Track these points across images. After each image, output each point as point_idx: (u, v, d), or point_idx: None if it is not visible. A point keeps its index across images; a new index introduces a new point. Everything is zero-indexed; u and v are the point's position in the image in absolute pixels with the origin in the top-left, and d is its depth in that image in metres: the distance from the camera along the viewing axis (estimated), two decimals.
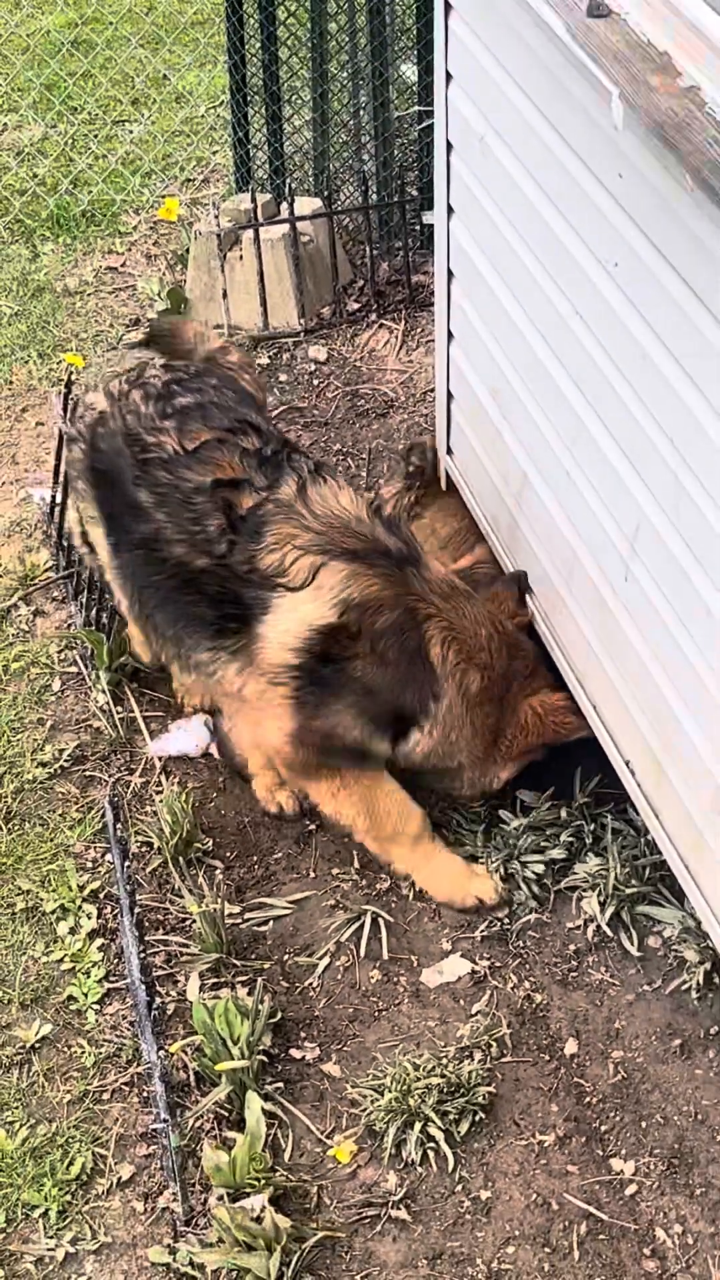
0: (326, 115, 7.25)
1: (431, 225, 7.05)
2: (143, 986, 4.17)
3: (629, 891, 4.57)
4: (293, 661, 4.43)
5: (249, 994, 4.34)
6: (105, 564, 4.91)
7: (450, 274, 5.09)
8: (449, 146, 4.89)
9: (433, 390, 6.33)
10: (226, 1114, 4.17)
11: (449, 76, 4.78)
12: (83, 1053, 4.37)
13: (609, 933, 4.55)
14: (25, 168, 8.05)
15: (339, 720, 4.48)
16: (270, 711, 4.52)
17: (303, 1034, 4.39)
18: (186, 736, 5.18)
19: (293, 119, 7.41)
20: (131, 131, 8.36)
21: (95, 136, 8.28)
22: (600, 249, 3.98)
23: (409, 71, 7.43)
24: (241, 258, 6.86)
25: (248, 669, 4.52)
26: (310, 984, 4.51)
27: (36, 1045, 4.40)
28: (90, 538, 5.02)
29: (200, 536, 4.53)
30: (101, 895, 4.73)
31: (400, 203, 7.11)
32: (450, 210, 4.98)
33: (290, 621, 4.42)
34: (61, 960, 4.58)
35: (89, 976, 4.52)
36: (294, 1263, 3.83)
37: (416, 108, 7.26)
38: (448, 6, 4.67)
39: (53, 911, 4.70)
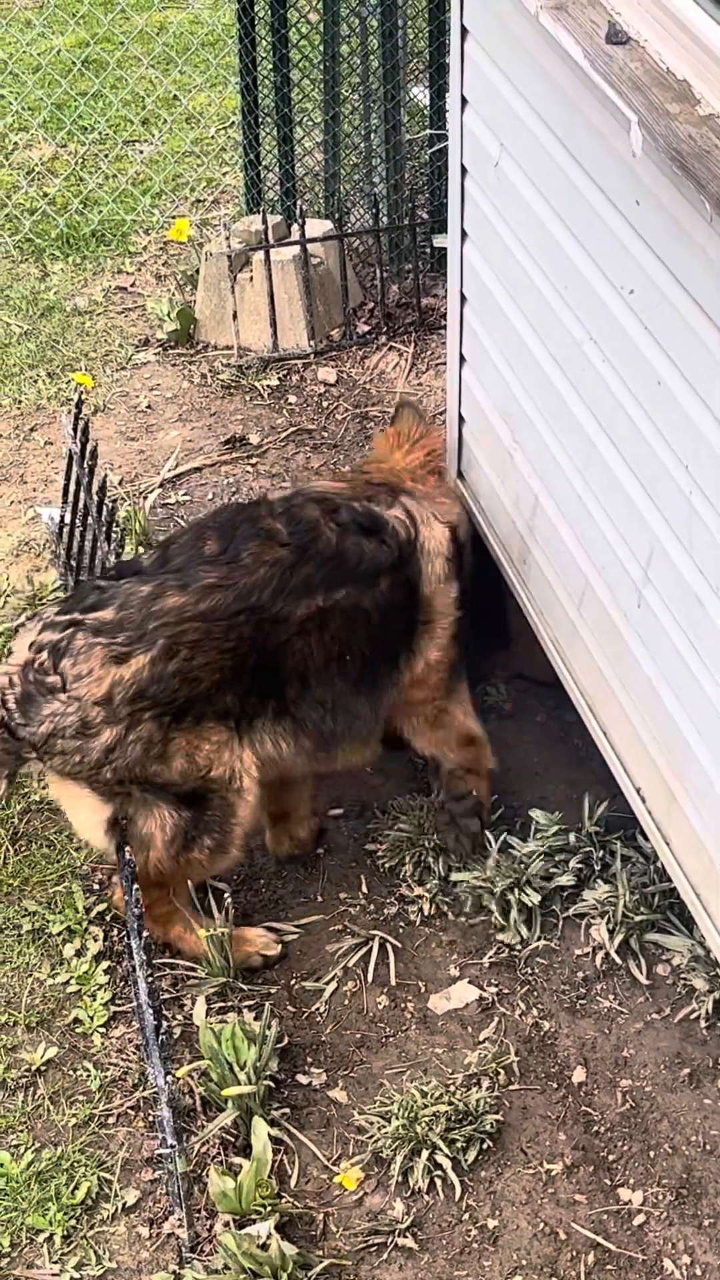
0: (338, 137, 7.26)
1: (442, 248, 7.06)
2: (150, 1010, 4.15)
3: (638, 919, 4.55)
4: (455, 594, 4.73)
5: (256, 1019, 4.32)
6: None
7: (463, 298, 5.09)
8: (463, 171, 4.89)
9: (443, 413, 6.32)
10: (232, 1139, 4.15)
11: (464, 101, 4.78)
12: (88, 1076, 4.35)
13: (617, 960, 4.54)
14: (35, 187, 8.06)
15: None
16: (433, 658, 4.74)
17: (310, 1060, 4.37)
18: None
19: (304, 141, 7.42)
20: (142, 152, 8.37)
21: (106, 156, 8.29)
22: (616, 275, 3.97)
23: (420, 94, 7.44)
24: (252, 279, 6.86)
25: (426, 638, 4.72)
26: (317, 1009, 4.49)
27: (42, 1068, 4.38)
28: None
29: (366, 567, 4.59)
30: (108, 918, 4.71)
31: (411, 225, 7.11)
32: (464, 234, 4.98)
33: (434, 559, 4.66)
34: (68, 983, 4.56)
35: (95, 999, 4.51)
36: None
37: (428, 131, 7.27)
38: (464, 31, 4.67)
39: (59, 933, 4.68)
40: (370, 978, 4.55)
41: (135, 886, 4.34)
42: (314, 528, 4.47)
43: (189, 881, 4.49)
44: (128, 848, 4.40)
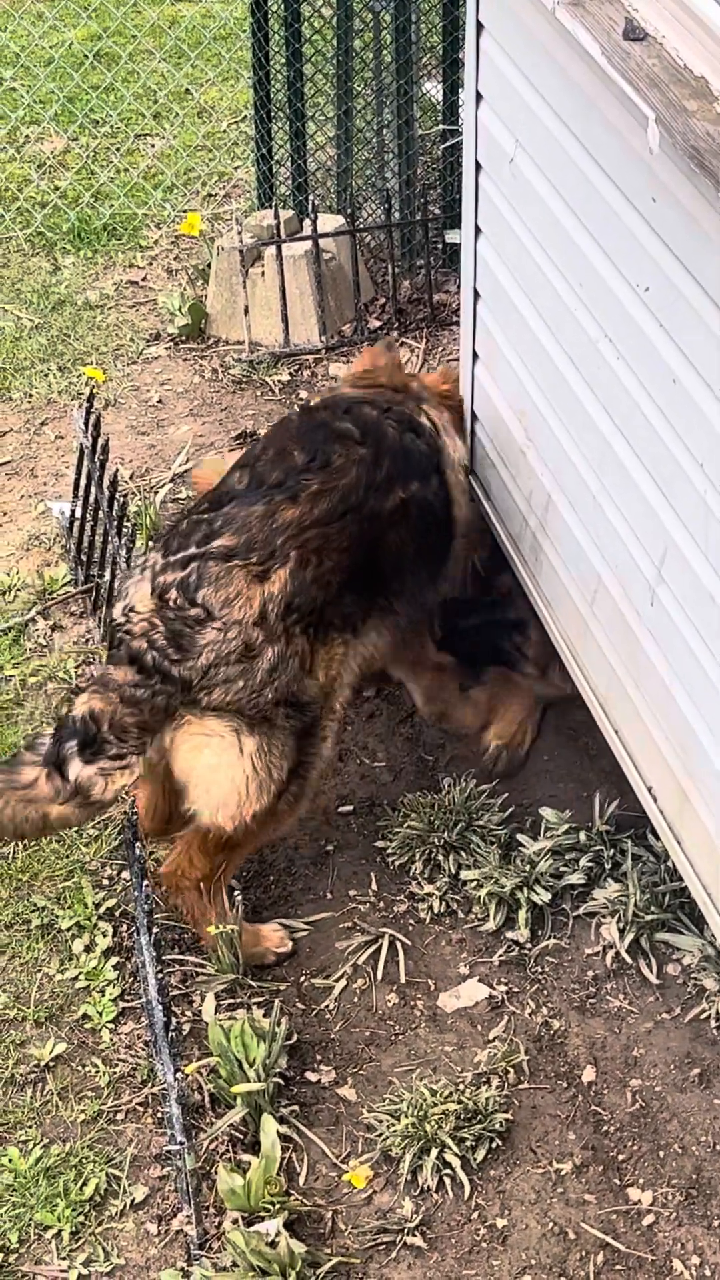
0: (350, 132, 7.25)
1: (454, 244, 7.05)
2: (159, 1006, 4.15)
3: (648, 918, 4.54)
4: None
5: (265, 1016, 4.31)
6: None
7: (477, 294, 5.08)
8: (478, 167, 4.87)
9: None
10: (241, 1136, 4.14)
11: (479, 97, 4.77)
12: (97, 1072, 4.34)
13: (628, 960, 4.53)
14: (47, 180, 8.05)
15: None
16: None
17: (319, 1057, 4.36)
18: None
19: (316, 135, 7.40)
20: (154, 145, 8.36)
21: (117, 150, 8.28)
22: (631, 272, 3.96)
23: (433, 90, 7.43)
24: (263, 274, 6.85)
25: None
26: (327, 1006, 4.48)
27: (51, 1064, 4.37)
28: None
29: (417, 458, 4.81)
30: (117, 913, 4.71)
31: (423, 221, 7.10)
32: (478, 230, 4.96)
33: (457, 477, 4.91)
34: (76, 978, 4.56)
35: (104, 995, 4.50)
36: None
37: (440, 126, 7.25)
38: (479, 26, 4.66)
39: (68, 929, 4.67)
40: (380, 975, 4.55)
41: (145, 883, 4.33)
42: (378, 426, 4.65)
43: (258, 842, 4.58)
44: (138, 844, 4.40)
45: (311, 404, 4.87)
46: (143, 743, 4.24)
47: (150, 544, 4.95)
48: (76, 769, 4.20)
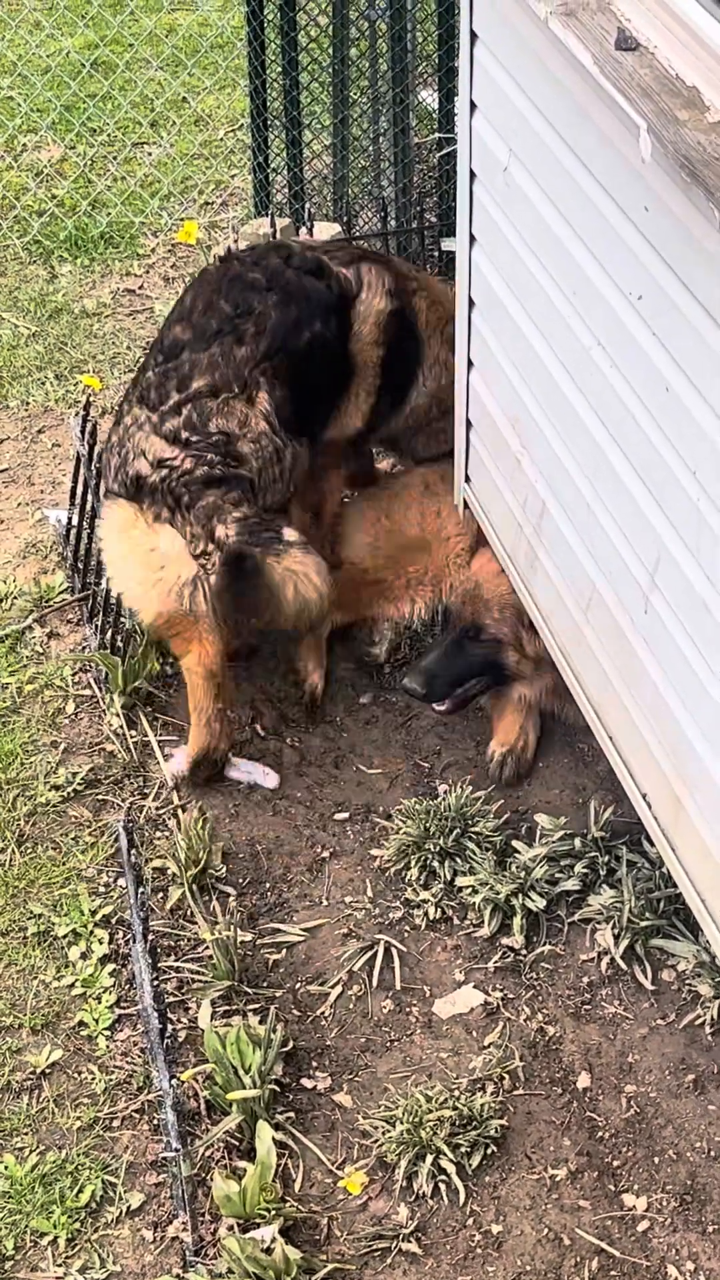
0: (346, 140, 7.26)
1: (450, 252, 7.05)
2: (155, 1013, 4.16)
3: (643, 924, 4.55)
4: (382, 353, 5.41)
5: (261, 1022, 4.32)
6: None
7: (471, 302, 5.09)
8: (472, 176, 4.88)
9: None
10: (237, 1143, 4.15)
11: (473, 106, 4.78)
12: (93, 1079, 4.35)
13: (623, 966, 4.54)
14: (44, 189, 8.06)
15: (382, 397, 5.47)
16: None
17: (314, 1063, 4.37)
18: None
19: (312, 144, 7.41)
20: (150, 154, 8.37)
21: (114, 158, 8.29)
22: (624, 281, 3.97)
23: (429, 98, 7.44)
24: None
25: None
26: (322, 1013, 4.49)
27: (47, 1071, 4.38)
28: None
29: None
30: (113, 920, 4.71)
31: (419, 229, 7.10)
32: (472, 239, 4.97)
33: (367, 317, 5.36)
34: (73, 985, 4.56)
35: (100, 1002, 4.51)
36: None
37: (436, 135, 7.26)
38: (473, 36, 4.67)
39: (64, 936, 4.68)
40: (375, 982, 4.56)
41: (140, 890, 4.34)
42: (282, 273, 5.23)
43: None
44: (134, 851, 4.41)
45: (225, 255, 5.46)
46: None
47: (122, 406, 5.24)
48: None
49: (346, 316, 5.31)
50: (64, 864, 4.88)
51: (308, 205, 7.01)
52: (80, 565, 5.74)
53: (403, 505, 5.60)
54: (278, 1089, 4.26)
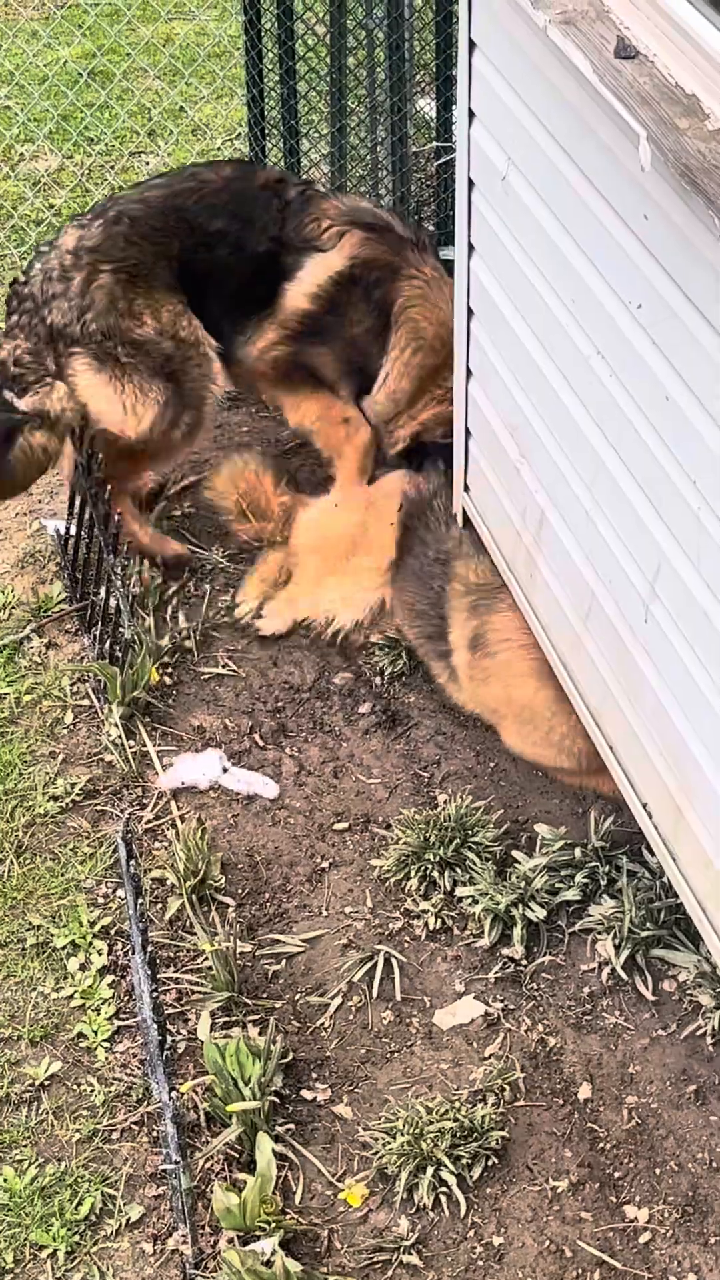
0: (344, 150, 7.26)
1: (448, 261, 7.04)
2: (155, 1025, 4.14)
3: (644, 935, 4.54)
4: (307, 307, 5.65)
5: (260, 1034, 4.31)
6: None
7: (470, 311, 5.08)
8: (470, 184, 4.88)
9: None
10: (237, 1155, 4.14)
11: (471, 114, 4.78)
12: (92, 1091, 4.34)
13: (623, 976, 4.52)
14: (41, 198, 8.06)
15: (322, 361, 5.78)
16: (269, 340, 5.77)
17: (314, 1075, 4.36)
18: (194, 767, 5.16)
19: (310, 153, 7.41)
20: (148, 163, 8.37)
21: (112, 168, 8.29)
22: (624, 289, 3.97)
23: (427, 107, 7.44)
24: None
25: (271, 322, 5.73)
26: (322, 1024, 4.48)
27: (46, 1083, 4.36)
28: None
29: (261, 223, 5.70)
30: (112, 931, 4.70)
31: None
32: (471, 248, 4.97)
33: (316, 272, 5.64)
34: (72, 997, 4.55)
35: (99, 1014, 4.49)
36: None
37: (434, 144, 7.26)
38: (472, 44, 4.67)
39: (63, 947, 4.67)
40: (375, 993, 4.54)
41: (139, 901, 4.33)
42: (250, 177, 5.89)
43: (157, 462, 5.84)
44: (132, 861, 4.39)
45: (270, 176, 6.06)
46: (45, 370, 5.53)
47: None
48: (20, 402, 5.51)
49: (289, 254, 5.69)
50: (63, 875, 4.87)
51: None
52: (78, 575, 5.73)
53: None
54: (278, 1101, 4.24)
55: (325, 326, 5.70)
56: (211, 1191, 4.01)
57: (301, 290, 5.68)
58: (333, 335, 5.73)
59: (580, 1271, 3.93)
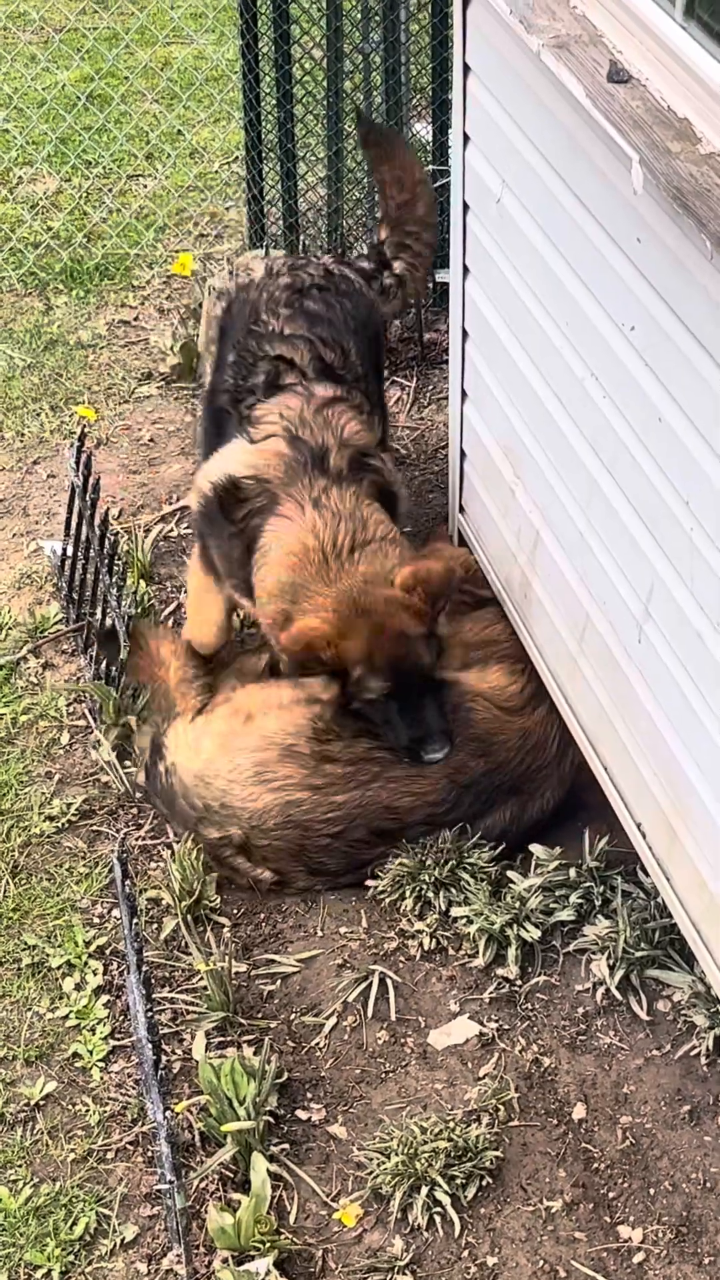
0: (341, 173, 7.29)
1: (444, 284, 7.07)
2: (150, 1045, 4.14)
3: (638, 955, 4.54)
4: (205, 491, 5.14)
5: (255, 1054, 4.31)
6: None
7: (465, 333, 5.11)
8: (465, 207, 4.91)
9: (444, 448, 6.34)
10: (231, 1175, 4.14)
11: (466, 138, 4.80)
12: (87, 1111, 4.34)
13: (618, 996, 4.52)
14: (40, 221, 8.08)
15: (207, 548, 5.26)
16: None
17: (309, 1095, 4.36)
18: None
19: (307, 176, 7.44)
20: (146, 186, 8.40)
21: (110, 190, 8.32)
22: (617, 312, 3.99)
23: (423, 131, 7.47)
24: None
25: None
26: (317, 1044, 4.48)
27: (40, 1103, 4.37)
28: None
29: (242, 388, 5.24)
30: (108, 951, 4.71)
31: None
32: (466, 270, 5.00)
33: (222, 459, 5.14)
34: (67, 1017, 4.55)
35: (94, 1033, 4.50)
36: None
37: (430, 167, 7.28)
38: (466, 69, 4.70)
39: (59, 967, 4.67)
40: (370, 1013, 4.54)
41: (135, 921, 4.33)
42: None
43: None
44: (128, 881, 4.40)
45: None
46: None
47: None
48: None
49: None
50: (58, 895, 4.87)
51: (302, 237, 7.04)
52: (75, 596, 5.74)
53: None
54: (272, 1120, 4.25)
55: (213, 518, 5.19)
56: (206, 1211, 4.01)
57: (207, 471, 5.24)
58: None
59: None
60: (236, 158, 8.36)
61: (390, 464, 5.28)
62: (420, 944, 4.70)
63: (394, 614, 4.74)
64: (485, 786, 4.85)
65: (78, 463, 5.72)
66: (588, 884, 4.73)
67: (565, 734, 4.85)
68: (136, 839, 5.02)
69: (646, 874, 4.54)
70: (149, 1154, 4.23)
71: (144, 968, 4.23)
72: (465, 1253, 4.01)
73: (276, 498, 4.94)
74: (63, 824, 5.07)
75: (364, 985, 4.59)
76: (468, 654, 5.10)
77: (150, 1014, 4.18)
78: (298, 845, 4.77)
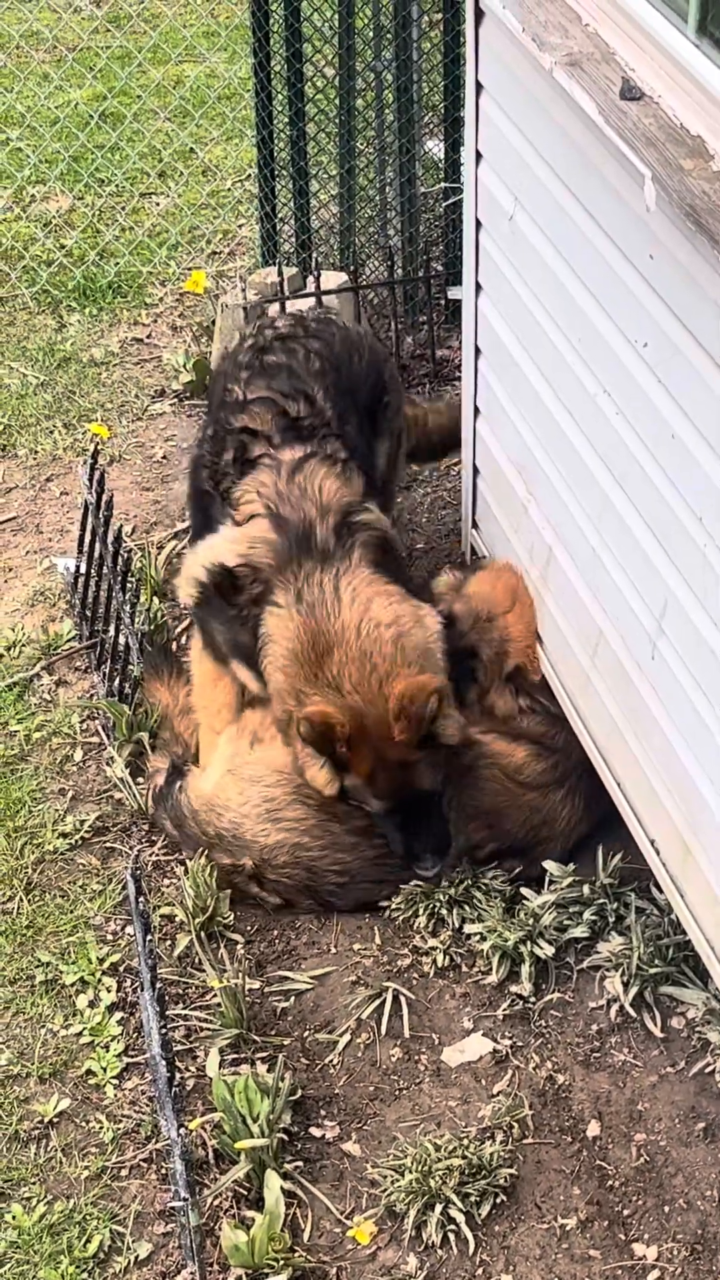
0: (353, 190, 7.30)
1: (456, 301, 7.09)
2: (163, 1062, 4.14)
3: (652, 971, 4.54)
4: (200, 578, 5.05)
5: (269, 1071, 4.31)
6: None
7: (478, 350, 5.11)
8: (478, 224, 4.92)
9: (457, 464, 6.34)
10: (245, 1192, 4.13)
11: (479, 155, 4.81)
12: (101, 1128, 4.34)
13: (632, 1013, 4.52)
14: (53, 239, 8.11)
15: (211, 634, 5.16)
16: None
17: (323, 1112, 4.35)
18: None
19: (319, 194, 7.46)
20: (159, 204, 8.43)
21: (122, 209, 8.34)
22: (629, 328, 3.99)
23: (435, 148, 7.48)
24: None
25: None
26: (331, 1061, 4.48)
27: (55, 1120, 4.36)
28: None
29: (218, 467, 5.14)
30: (121, 968, 4.71)
31: (425, 278, 7.14)
32: (478, 287, 5.00)
33: (211, 547, 5.05)
34: (80, 1034, 4.55)
35: (108, 1050, 4.49)
36: None
37: (443, 184, 7.30)
38: (479, 86, 4.71)
39: (72, 984, 4.67)
40: (384, 1030, 4.54)
41: (149, 937, 4.33)
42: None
43: None
44: (141, 898, 4.40)
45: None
46: None
47: None
48: None
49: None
50: (72, 912, 4.87)
51: (314, 254, 7.05)
52: (88, 614, 5.75)
53: None
54: (286, 1138, 4.24)
55: (211, 603, 5.11)
56: (220, 1229, 4.01)
57: (198, 559, 5.12)
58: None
59: None
60: (249, 175, 8.39)
61: (377, 510, 5.08)
62: (434, 961, 4.69)
63: (394, 743, 4.63)
64: (488, 854, 4.88)
65: (91, 480, 5.73)
66: (601, 900, 4.73)
67: (574, 811, 4.91)
68: (150, 855, 5.02)
69: (660, 890, 4.54)
70: (163, 1171, 4.23)
71: (158, 984, 4.23)
72: (480, 1270, 4.00)
73: (270, 585, 4.85)
74: (76, 841, 5.07)
75: (378, 1002, 4.58)
76: (505, 725, 5.06)
77: (164, 1031, 4.18)
78: (305, 884, 4.79)
